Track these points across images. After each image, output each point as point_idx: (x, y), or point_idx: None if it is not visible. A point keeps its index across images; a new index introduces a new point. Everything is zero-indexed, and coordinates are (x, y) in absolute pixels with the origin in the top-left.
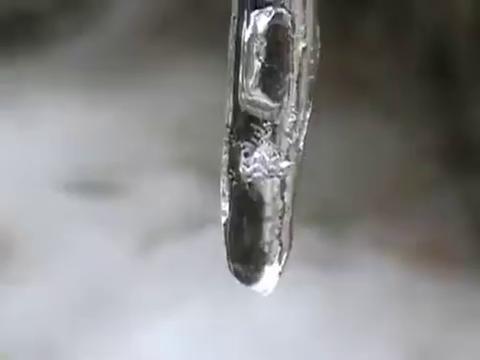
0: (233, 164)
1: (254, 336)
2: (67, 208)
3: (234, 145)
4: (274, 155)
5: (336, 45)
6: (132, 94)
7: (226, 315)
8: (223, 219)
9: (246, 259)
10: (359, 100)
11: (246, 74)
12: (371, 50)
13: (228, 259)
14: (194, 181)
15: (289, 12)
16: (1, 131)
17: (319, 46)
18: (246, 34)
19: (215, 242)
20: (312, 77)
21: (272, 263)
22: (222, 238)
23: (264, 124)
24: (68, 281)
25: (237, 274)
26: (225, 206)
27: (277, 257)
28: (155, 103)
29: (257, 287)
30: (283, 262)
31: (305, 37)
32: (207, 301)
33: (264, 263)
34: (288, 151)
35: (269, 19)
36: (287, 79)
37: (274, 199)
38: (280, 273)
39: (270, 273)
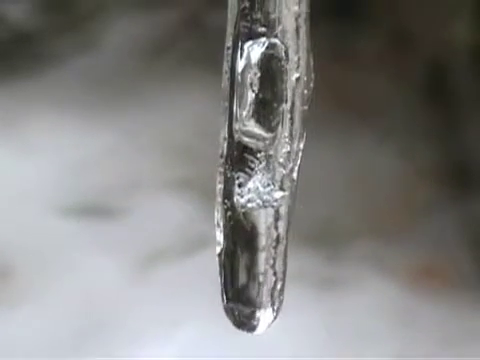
0: (227, 194)
1: (252, 358)
2: (65, 231)
3: (228, 175)
4: (268, 185)
5: (334, 64)
6: (130, 116)
7: (224, 338)
8: (218, 249)
9: (241, 300)
10: (357, 120)
11: (240, 104)
12: (369, 70)
13: (223, 300)
14: (192, 203)
15: (282, 43)
16: None
17: (313, 76)
18: (240, 65)
19: (213, 265)
20: (306, 107)
21: (266, 307)
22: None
23: (258, 154)
24: (66, 305)
25: (232, 318)
26: (220, 236)
27: (270, 295)
28: (153, 125)
29: (251, 332)
30: (277, 304)
31: (298, 67)
32: (205, 324)
33: (259, 307)
34: (282, 181)
35: (262, 50)
36: (281, 109)
37: (268, 229)
38: (275, 318)
39: (264, 319)
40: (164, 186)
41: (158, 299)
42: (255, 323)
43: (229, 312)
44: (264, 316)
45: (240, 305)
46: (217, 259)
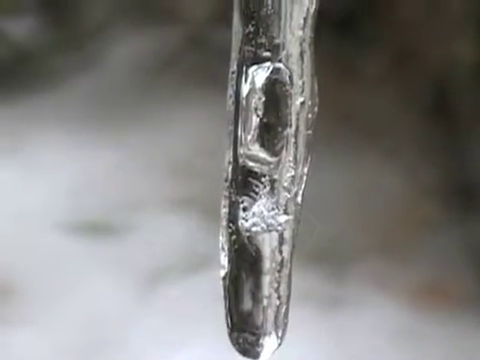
0: (232, 218)
1: None
2: (68, 249)
3: (233, 199)
4: (273, 209)
5: (338, 84)
6: (132, 135)
7: (227, 356)
8: (222, 273)
9: (245, 327)
10: (361, 139)
11: (244, 129)
12: (373, 89)
13: (227, 326)
14: (195, 221)
15: (287, 67)
16: (2, 172)
17: (317, 101)
18: (244, 89)
19: (216, 282)
20: (310, 132)
21: (270, 334)
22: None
23: (263, 178)
24: (68, 322)
25: (237, 346)
26: (224, 260)
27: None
28: (155, 144)
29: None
30: (281, 331)
31: (303, 92)
32: (208, 341)
33: (263, 334)
34: (286, 205)
35: (267, 74)
36: (285, 134)
37: (273, 253)
38: (279, 344)
39: (269, 346)
40: (166, 205)
41: (160, 318)
42: (259, 350)
43: (234, 340)
44: (268, 343)
45: (245, 333)
46: (221, 282)
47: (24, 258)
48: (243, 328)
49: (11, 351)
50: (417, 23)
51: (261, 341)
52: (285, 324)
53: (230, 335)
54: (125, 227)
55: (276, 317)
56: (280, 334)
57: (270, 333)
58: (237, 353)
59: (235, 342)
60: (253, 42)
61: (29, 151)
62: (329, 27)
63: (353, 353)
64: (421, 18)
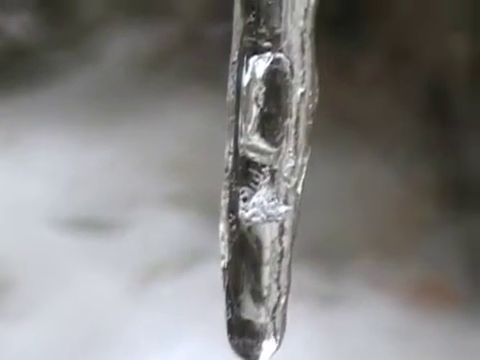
0: (232, 208)
1: None
2: (63, 245)
3: (233, 189)
4: (273, 200)
5: (332, 83)
6: (128, 131)
7: (222, 352)
8: (222, 263)
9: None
10: (357, 138)
11: (245, 119)
12: (369, 88)
13: (228, 331)
14: (189, 218)
15: (287, 57)
16: None
17: (317, 91)
18: (245, 79)
19: (211, 279)
20: (310, 122)
21: (270, 337)
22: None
23: (263, 169)
24: (65, 317)
25: (236, 349)
26: (224, 250)
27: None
28: (151, 140)
29: None
30: (280, 334)
31: (303, 82)
32: (203, 338)
33: (262, 337)
34: (286, 196)
35: (268, 64)
36: (285, 124)
37: (273, 243)
38: (277, 348)
39: (268, 348)
40: (161, 201)
41: (156, 313)
42: (259, 353)
43: (234, 345)
44: (267, 345)
45: (244, 337)
46: (221, 273)
47: (18, 253)
48: (243, 329)
49: (6, 345)
50: (412, 22)
51: (260, 344)
52: (283, 326)
53: (230, 340)
54: (120, 223)
55: (275, 307)
56: (278, 337)
57: (269, 336)
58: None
59: (235, 346)
60: (254, 32)
61: (24, 146)
62: (324, 26)
63: (348, 351)
64: (416, 17)
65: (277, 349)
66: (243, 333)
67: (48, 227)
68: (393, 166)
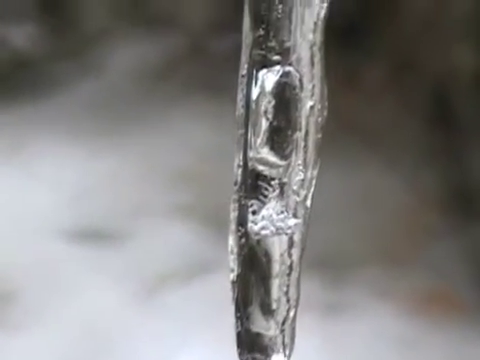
0: (241, 221)
1: None
2: (68, 255)
3: (242, 202)
4: (282, 212)
5: (338, 92)
6: (133, 142)
7: None
8: (231, 276)
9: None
10: (361, 147)
11: (254, 132)
12: (373, 97)
13: (237, 346)
14: (194, 229)
15: (297, 71)
16: (1, 179)
17: (327, 104)
18: (254, 92)
19: (216, 290)
20: (319, 135)
21: (279, 352)
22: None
23: (272, 182)
24: (69, 328)
25: None
26: (233, 263)
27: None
28: (155, 151)
29: None
30: (289, 350)
31: (313, 96)
32: (208, 349)
33: (272, 351)
34: (296, 209)
35: (277, 78)
36: (295, 137)
37: (282, 256)
38: None
39: None
40: (167, 211)
41: (161, 324)
42: None
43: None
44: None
45: (253, 352)
46: (230, 285)
47: (22, 263)
48: (252, 343)
49: (11, 356)
50: (418, 32)
51: (270, 359)
52: (292, 339)
53: (239, 355)
54: (126, 233)
55: (284, 320)
56: (287, 351)
57: (278, 350)
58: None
59: None
60: (263, 46)
61: (28, 156)
62: (331, 36)
63: (352, 359)
64: (422, 27)
65: None
66: (252, 348)
67: (52, 237)
68: (398, 174)
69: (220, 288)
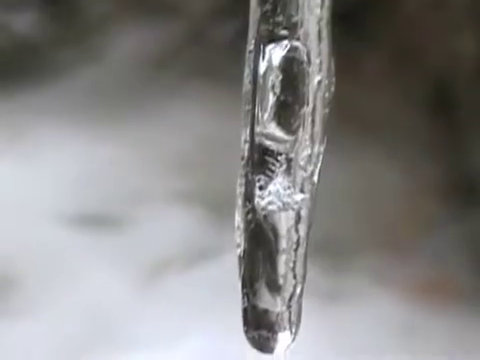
0: (248, 196)
1: None
2: (69, 242)
3: (249, 178)
4: (289, 188)
5: (338, 82)
6: (133, 128)
7: (227, 348)
8: (237, 251)
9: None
10: (362, 136)
11: (261, 107)
12: (374, 86)
13: (244, 323)
14: (195, 214)
15: (304, 45)
16: (2, 165)
17: (334, 80)
18: (261, 67)
19: (216, 275)
20: (327, 110)
21: (285, 329)
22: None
23: (279, 157)
24: (70, 314)
25: (252, 342)
26: (240, 238)
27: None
28: (156, 137)
29: (270, 353)
30: (295, 327)
31: (320, 70)
32: (208, 335)
33: (279, 329)
34: (303, 184)
35: (284, 52)
36: (302, 112)
37: (289, 232)
38: (293, 340)
39: (283, 341)
40: (167, 197)
41: (162, 309)
42: (274, 345)
43: (250, 338)
44: (283, 338)
45: (260, 329)
46: (237, 261)
47: (24, 250)
48: (258, 320)
49: (12, 342)
50: (419, 20)
51: (276, 336)
52: (299, 317)
53: (246, 332)
54: (127, 219)
55: (291, 296)
56: (294, 329)
57: (285, 327)
58: (237, 344)
59: (250, 339)
60: (270, 20)
61: (30, 143)
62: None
63: (352, 347)
64: (423, 15)
65: (292, 342)
66: (259, 325)
67: (54, 223)
68: (399, 163)
69: (221, 273)
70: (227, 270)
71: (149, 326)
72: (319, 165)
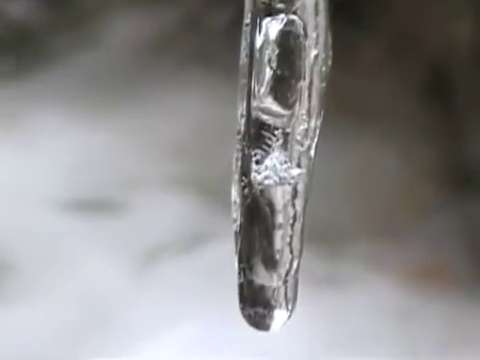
0: (245, 171)
1: (251, 355)
2: (65, 227)
3: (246, 152)
4: (285, 162)
5: (335, 68)
6: (129, 114)
7: (223, 334)
8: (234, 226)
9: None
10: (358, 122)
11: (258, 81)
12: (370, 72)
13: (240, 300)
14: (191, 200)
15: (301, 19)
16: None
17: (331, 54)
18: (258, 41)
19: (212, 260)
20: (324, 85)
21: (282, 306)
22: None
23: (275, 131)
24: (66, 300)
25: (248, 320)
26: (236, 213)
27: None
28: (152, 123)
29: (266, 331)
30: (291, 304)
31: (317, 44)
32: (204, 320)
33: (275, 305)
34: (299, 158)
35: (281, 26)
36: (299, 86)
37: (285, 207)
38: (289, 317)
39: (279, 318)
40: (163, 183)
41: (158, 294)
42: (270, 322)
43: (246, 316)
44: (279, 315)
45: (256, 306)
46: (233, 236)
47: (20, 235)
48: (254, 297)
49: (10, 328)
50: (415, 6)
51: (272, 313)
52: (295, 293)
53: (242, 310)
54: (122, 205)
55: (287, 271)
56: (290, 306)
57: (281, 304)
58: (233, 329)
59: (246, 316)
60: None
61: (26, 129)
62: None
63: (348, 333)
64: (419, 1)
65: (288, 318)
66: (255, 301)
67: (50, 209)
68: (395, 148)
69: (216, 259)
70: (222, 255)
71: (144, 311)
72: (316, 140)
